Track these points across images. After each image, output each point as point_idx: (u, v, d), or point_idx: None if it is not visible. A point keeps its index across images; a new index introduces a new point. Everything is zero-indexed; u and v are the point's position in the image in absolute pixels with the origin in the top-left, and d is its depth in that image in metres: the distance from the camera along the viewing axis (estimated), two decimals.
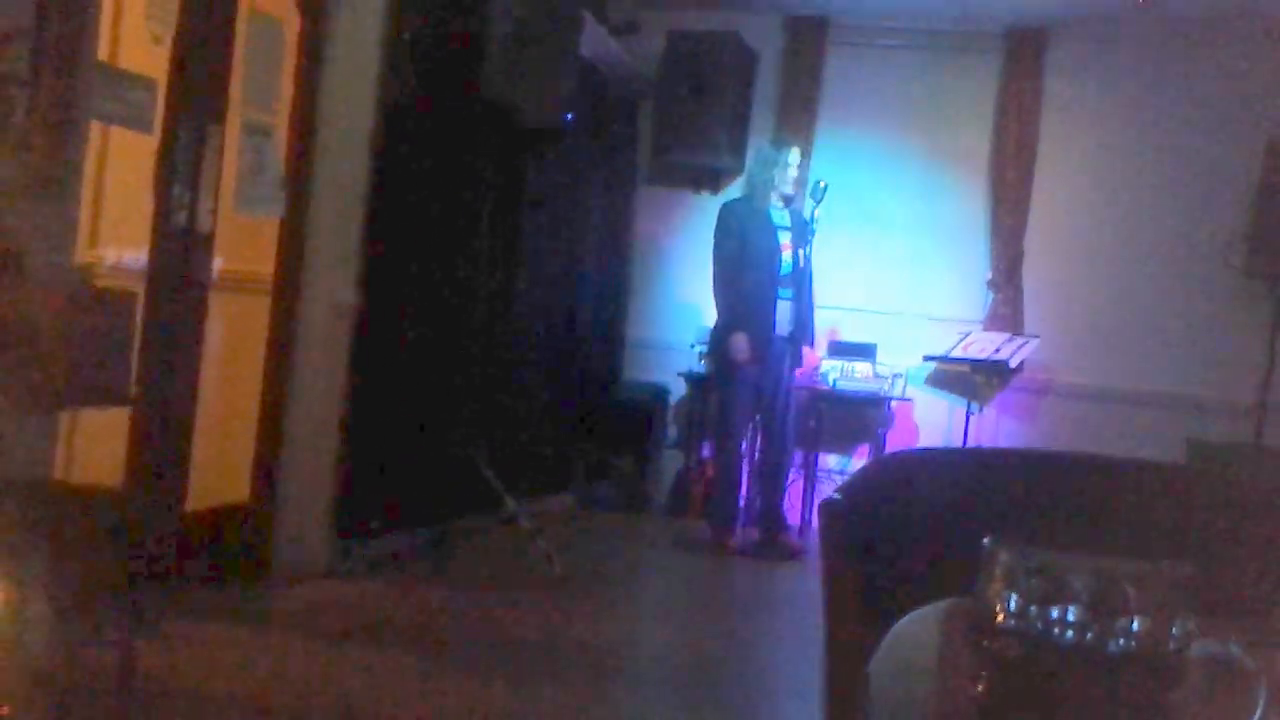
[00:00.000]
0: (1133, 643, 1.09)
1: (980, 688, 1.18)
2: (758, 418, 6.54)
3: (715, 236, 6.33)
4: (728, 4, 7.45)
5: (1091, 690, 1.11)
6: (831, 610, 1.95)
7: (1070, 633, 1.11)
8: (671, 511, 7.19)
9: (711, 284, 6.35)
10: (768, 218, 6.24)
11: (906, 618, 1.47)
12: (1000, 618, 1.14)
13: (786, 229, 6.24)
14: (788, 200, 6.31)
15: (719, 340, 6.31)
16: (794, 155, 6.33)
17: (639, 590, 5.61)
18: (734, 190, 7.34)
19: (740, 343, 6.18)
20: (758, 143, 7.14)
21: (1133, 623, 1.10)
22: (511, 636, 4.27)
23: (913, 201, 7.32)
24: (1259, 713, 1.05)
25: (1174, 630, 1.10)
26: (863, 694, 1.33)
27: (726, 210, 6.41)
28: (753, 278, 6.17)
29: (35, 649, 2.89)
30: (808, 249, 6.20)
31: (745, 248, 6.20)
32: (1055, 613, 1.11)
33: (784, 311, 6.21)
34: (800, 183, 6.36)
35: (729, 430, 6.37)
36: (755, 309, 6.18)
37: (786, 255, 6.20)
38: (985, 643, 1.15)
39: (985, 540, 1.18)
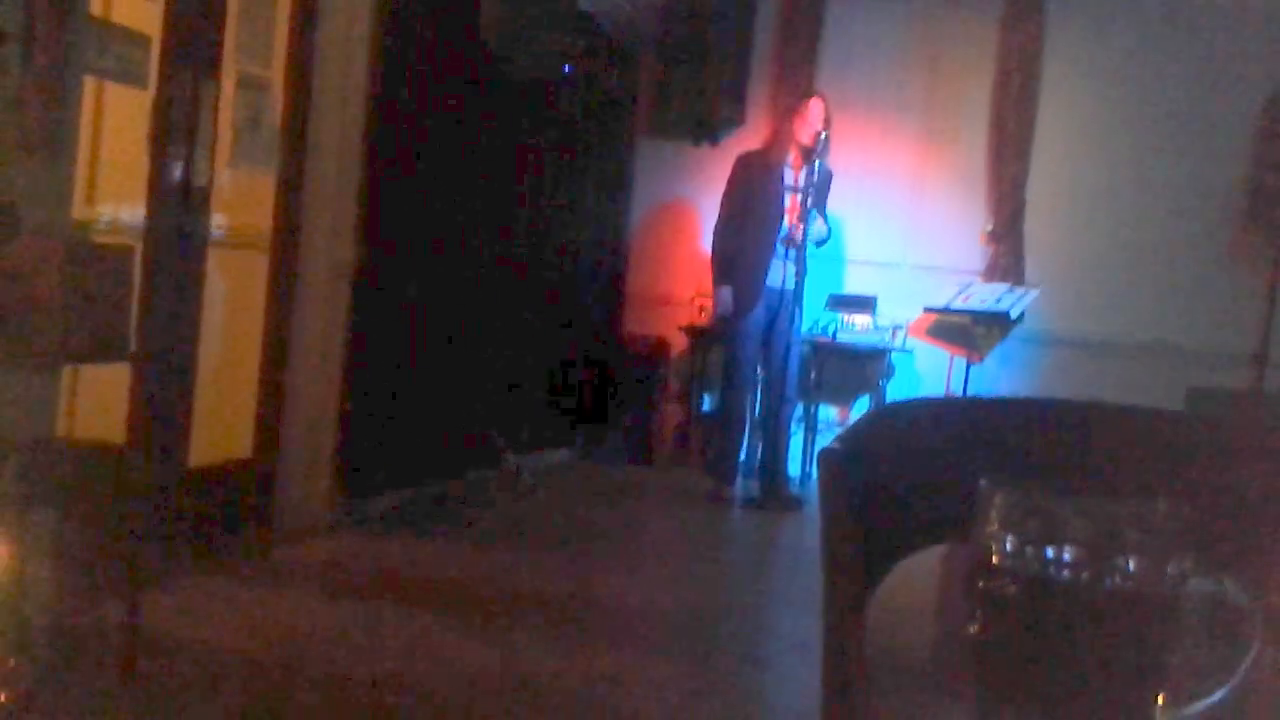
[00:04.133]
0: (1128, 582, 1.10)
1: (976, 628, 1.19)
2: (759, 370, 6.57)
3: (726, 187, 6.34)
4: None
5: (1087, 628, 1.12)
6: (831, 558, 1.95)
7: (1066, 572, 1.11)
8: (672, 464, 7.22)
9: (711, 234, 6.38)
10: (779, 174, 6.19)
11: (904, 563, 1.48)
12: (996, 558, 1.14)
13: (798, 189, 6.15)
14: (806, 155, 6.17)
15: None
16: (813, 105, 6.17)
17: (640, 543, 5.63)
18: (734, 141, 7.29)
19: (724, 296, 6.22)
20: (775, 94, 7.16)
21: (1128, 562, 1.10)
22: (513, 591, 4.29)
23: (913, 152, 7.29)
24: (1253, 650, 1.06)
25: (1170, 569, 1.11)
26: (862, 640, 1.34)
27: (737, 162, 6.39)
28: (751, 233, 6.15)
29: (39, 606, 2.90)
30: (820, 209, 6.16)
31: (749, 202, 6.18)
32: (1051, 553, 1.11)
33: (786, 269, 6.19)
34: (821, 136, 6.08)
35: (731, 382, 6.39)
36: (746, 264, 6.16)
37: (793, 216, 6.16)
38: (981, 583, 1.16)
39: (981, 482, 1.18)
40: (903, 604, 1.42)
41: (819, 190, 6.14)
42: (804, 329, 6.57)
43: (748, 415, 6.64)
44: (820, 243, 6.28)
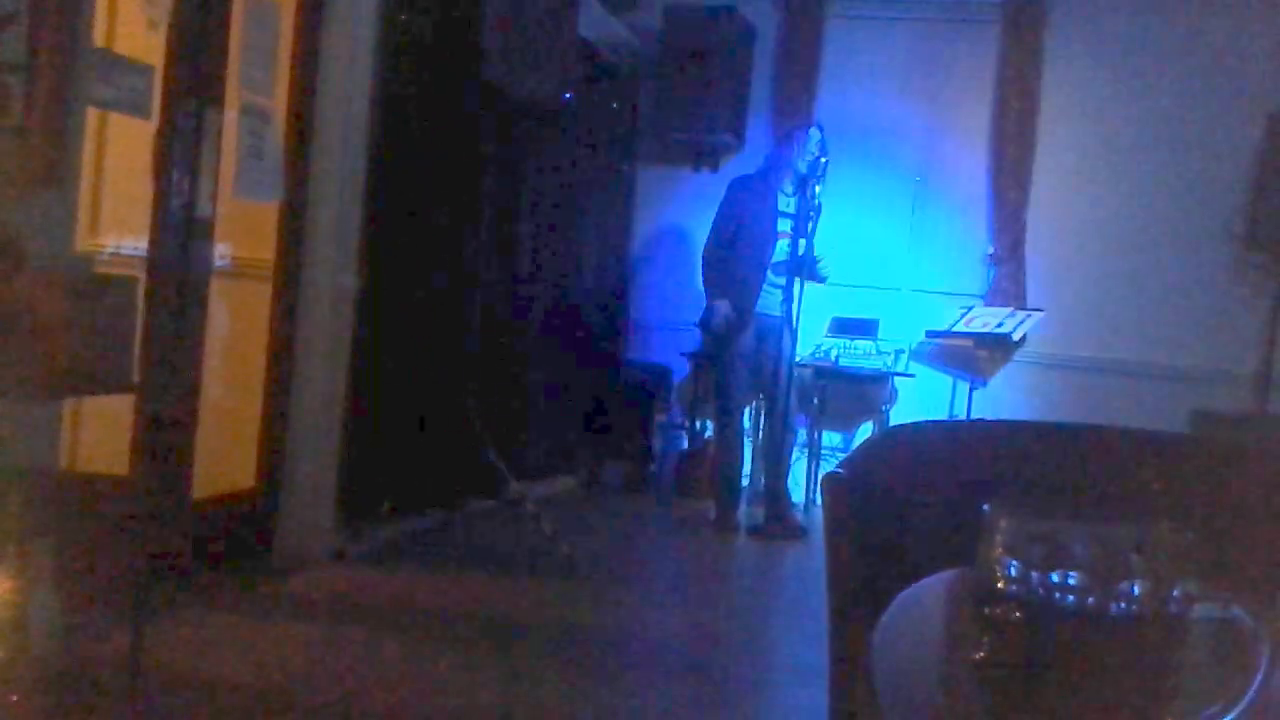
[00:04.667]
0: (1134, 606, 1.09)
1: (981, 654, 1.18)
2: (760, 398, 6.56)
3: (718, 210, 6.33)
4: None
5: (1093, 653, 1.11)
6: (835, 584, 1.95)
7: (1071, 597, 1.11)
8: (676, 491, 7.20)
9: (701, 256, 6.37)
10: (773, 201, 6.21)
11: (909, 589, 1.47)
12: (1001, 584, 1.14)
13: (790, 216, 6.19)
14: (802, 184, 6.21)
15: (705, 315, 6.35)
16: (815, 135, 6.21)
17: (644, 571, 5.62)
18: (734, 167, 7.30)
19: (721, 309, 6.20)
20: (775, 121, 7.19)
21: (1134, 586, 1.10)
22: (517, 621, 4.27)
23: (913, 175, 7.30)
24: (1261, 673, 1.05)
25: (1175, 593, 1.10)
26: (867, 666, 1.33)
27: (732, 187, 6.39)
28: (744, 258, 6.17)
29: (43, 638, 2.90)
30: (810, 237, 6.16)
31: (741, 228, 6.20)
32: (1056, 578, 1.11)
33: (777, 295, 6.21)
34: (822, 163, 6.12)
35: (727, 409, 6.38)
36: (739, 287, 6.17)
37: (784, 242, 6.19)
38: (986, 609, 1.15)
39: (985, 507, 1.18)
40: (908, 630, 1.42)
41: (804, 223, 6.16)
42: (807, 354, 6.57)
43: (745, 441, 6.63)
44: (823, 280, 6.31)
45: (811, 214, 6.12)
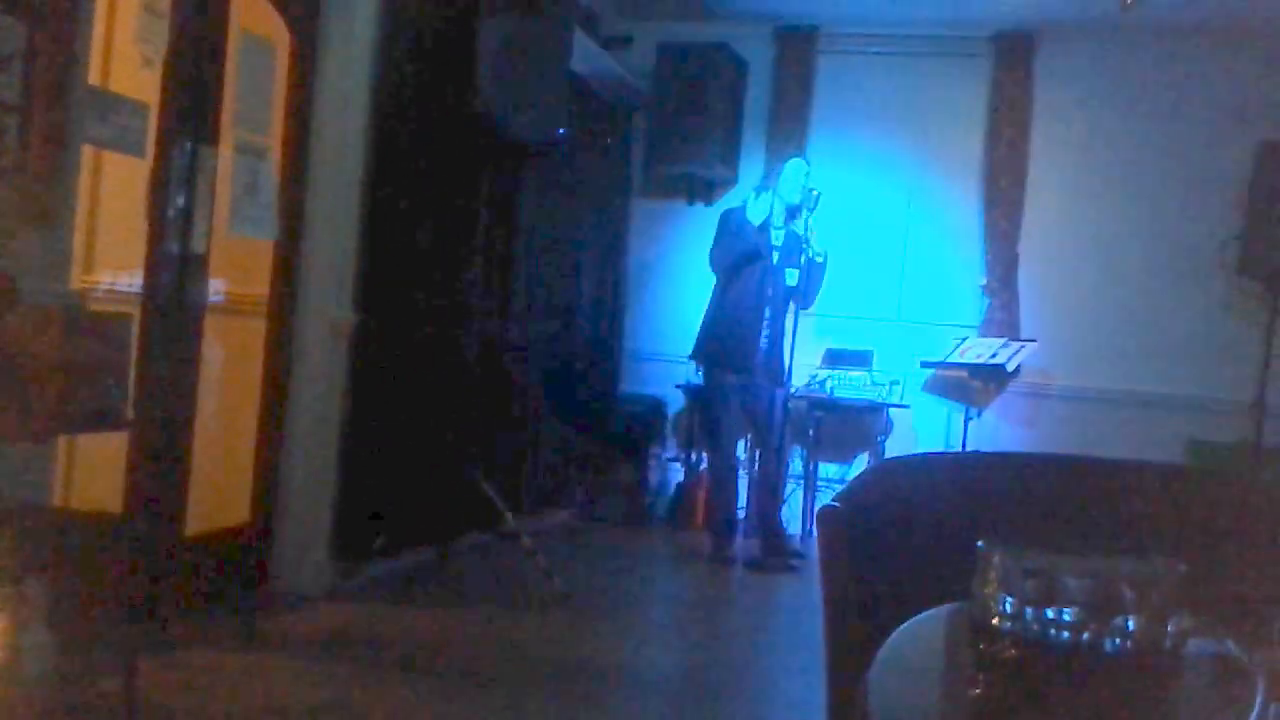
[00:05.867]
0: (1129, 642, 1.09)
1: (977, 691, 1.18)
2: (751, 431, 6.56)
3: (715, 241, 6.26)
4: (718, 16, 7.48)
5: (1088, 690, 1.11)
6: (831, 618, 1.95)
7: (1066, 633, 1.11)
8: (672, 524, 7.19)
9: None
10: (766, 234, 6.20)
11: (906, 624, 1.47)
12: (996, 620, 1.14)
13: (778, 248, 6.20)
14: (791, 216, 6.23)
15: (699, 348, 6.35)
16: (801, 166, 6.21)
17: (640, 605, 5.60)
18: (727, 201, 7.32)
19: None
20: (769, 155, 7.22)
21: (1128, 622, 1.10)
22: (514, 656, 4.26)
23: (906, 208, 7.33)
24: (1257, 709, 1.05)
25: (1170, 628, 1.10)
26: (863, 702, 1.33)
27: (726, 218, 6.38)
28: (741, 290, 6.17)
29: (36, 675, 2.88)
30: (800, 267, 6.15)
31: (737, 260, 6.18)
32: (1051, 613, 1.11)
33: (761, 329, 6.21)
34: (805, 197, 6.09)
35: (718, 442, 6.37)
36: (738, 324, 6.18)
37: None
38: (981, 645, 1.15)
39: (979, 543, 1.18)
40: (905, 665, 1.41)
41: (808, 274, 6.15)
42: (801, 385, 6.56)
43: (740, 473, 6.61)
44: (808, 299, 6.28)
45: (804, 245, 6.12)
